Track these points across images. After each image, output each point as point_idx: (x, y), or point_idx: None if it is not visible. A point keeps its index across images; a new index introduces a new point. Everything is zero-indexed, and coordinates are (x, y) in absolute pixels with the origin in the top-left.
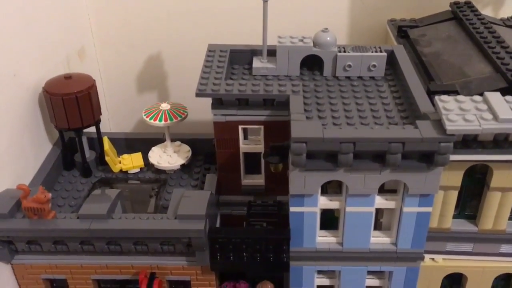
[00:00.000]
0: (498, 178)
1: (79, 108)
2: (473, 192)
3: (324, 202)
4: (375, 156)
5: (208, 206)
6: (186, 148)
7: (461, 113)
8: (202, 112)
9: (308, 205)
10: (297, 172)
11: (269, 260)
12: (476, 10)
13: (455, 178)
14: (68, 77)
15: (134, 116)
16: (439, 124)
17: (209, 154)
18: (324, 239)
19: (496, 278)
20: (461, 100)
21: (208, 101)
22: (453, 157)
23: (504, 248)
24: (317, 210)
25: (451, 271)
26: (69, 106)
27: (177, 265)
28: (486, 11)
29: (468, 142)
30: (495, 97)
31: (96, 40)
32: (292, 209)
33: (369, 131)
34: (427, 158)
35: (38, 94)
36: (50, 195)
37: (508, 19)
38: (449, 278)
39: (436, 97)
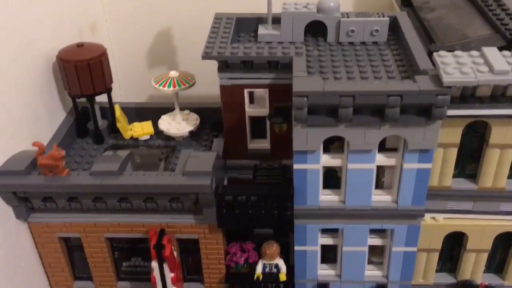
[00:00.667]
0: (496, 135)
1: (91, 75)
2: (472, 150)
3: (326, 159)
4: (374, 110)
5: (214, 165)
6: (194, 116)
7: (458, 66)
8: (210, 84)
9: (311, 162)
10: (299, 128)
11: (273, 216)
12: None
13: (454, 135)
14: (80, 45)
15: (144, 89)
16: (437, 78)
17: (217, 122)
18: (327, 198)
19: (496, 238)
20: (459, 55)
21: (216, 72)
22: (451, 113)
23: (504, 206)
24: (319, 168)
25: (452, 229)
26: (82, 72)
27: (185, 223)
28: None
29: (466, 97)
30: (491, 52)
31: (107, 16)
32: (295, 166)
33: (368, 85)
34: (425, 112)
35: (52, 63)
36: (64, 152)
37: None
38: (450, 237)
39: (435, 53)
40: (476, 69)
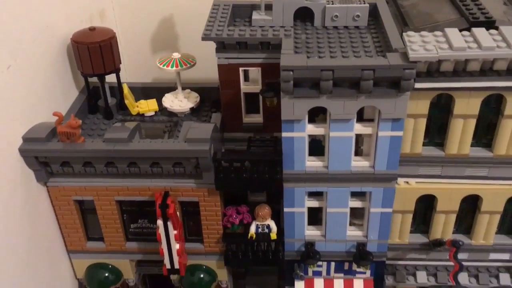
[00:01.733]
0: (459, 106)
1: (102, 55)
2: (440, 121)
3: (311, 128)
4: (351, 83)
5: (212, 134)
6: (195, 95)
7: (422, 44)
8: (209, 67)
9: (297, 130)
10: (286, 99)
11: (265, 180)
12: None
13: (423, 106)
14: (92, 29)
15: (148, 71)
16: (405, 55)
17: (215, 100)
18: (312, 163)
19: (463, 200)
20: (424, 35)
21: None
22: (419, 85)
23: (469, 171)
24: (305, 135)
25: (423, 192)
26: (94, 53)
27: (187, 187)
28: None
29: (431, 72)
30: (453, 32)
31: (115, 4)
32: (284, 134)
33: (345, 60)
34: (395, 85)
35: (67, 46)
36: (80, 121)
37: None
38: (422, 200)
39: (404, 34)
40: (438, 46)
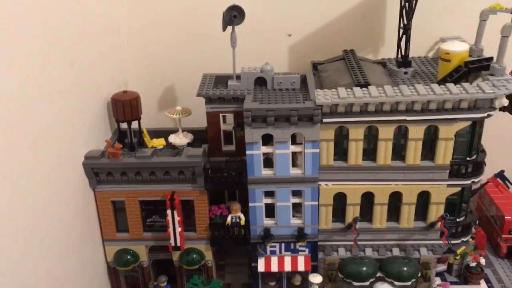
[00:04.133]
0: (353, 133)
1: (131, 108)
2: (343, 143)
3: (264, 149)
4: (286, 119)
5: (203, 154)
6: (190, 135)
7: (324, 95)
8: (199, 116)
9: (256, 149)
10: (248, 129)
11: (237, 182)
12: (355, 54)
13: (329, 134)
14: (125, 91)
15: (159, 121)
16: (314, 102)
17: (204, 138)
18: (266, 172)
19: (363, 195)
20: (326, 91)
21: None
22: (326, 120)
23: (363, 175)
24: (260, 153)
25: (337, 191)
26: (126, 107)
27: (186, 189)
28: (369, 56)
29: (332, 112)
30: (341, 89)
31: (135, 76)
32: (247, 152)
33: (281, 105)
34: (311, 119)
35: (107, 102)
36: (121, 145)
37: (380, 60)
38: (337, 196)
39: (315, 91)
40: (332, 96)
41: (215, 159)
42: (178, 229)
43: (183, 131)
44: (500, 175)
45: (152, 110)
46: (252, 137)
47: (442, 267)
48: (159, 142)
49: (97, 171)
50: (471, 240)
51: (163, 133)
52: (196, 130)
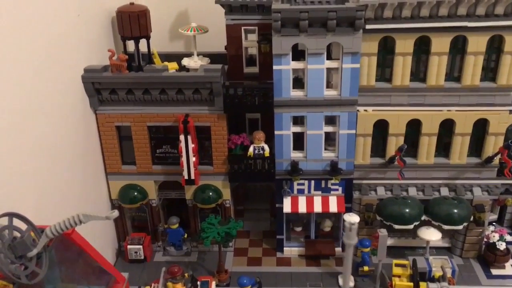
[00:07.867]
0: (400, 45)
1: (138, 22)
2: (387, 60)
3: (294, 64)
4: (321, 24)
5: (222, 69)
6: (206, 59)
7: None
8: (217, 40)
9: (284, 64)
10: (276, 37)
11: (261, 103)
12: None
13: (372, 46)
14: (132, 3)
15: (169, 45)
16: (357, 3)
17: (223, 63)
18: (295, 93)
19: (408, 124)
20: None
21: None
22: (369, 27)
23: (410, 99)
24: (290, 68)
25: (378, 118)
26: (132, 20)
27: (202, 113)
28: None
29: (377, 17)
30: None
31: None
32: (274, 67)
33: (316, 5)
34: (352, 25)
35: (112, 17)
36: (127, 56)
37: None
38: (377, 125)
39: None
40: None
41: (235, 82)
42: (193, 159)
43: (198, 54)
44: None
45: (162, 31)
46: (281, 47)
47: (492, 216)
48: (172, 66)
49: (98, 87)
50: None
51: (176, 57)
52: (213, 54)
